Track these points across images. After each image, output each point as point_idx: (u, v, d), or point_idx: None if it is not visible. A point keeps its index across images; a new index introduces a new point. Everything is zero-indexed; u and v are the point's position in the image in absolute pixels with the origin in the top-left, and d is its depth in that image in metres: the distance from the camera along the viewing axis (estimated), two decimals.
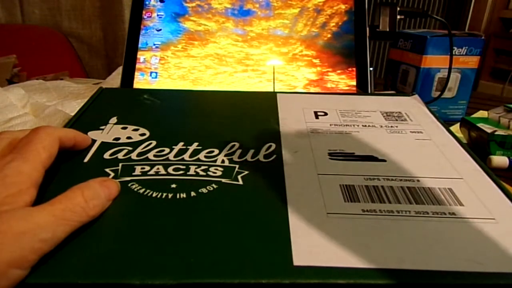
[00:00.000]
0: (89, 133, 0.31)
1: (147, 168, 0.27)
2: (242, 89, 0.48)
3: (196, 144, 0.30)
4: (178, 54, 0.50)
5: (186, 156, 0.29)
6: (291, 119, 0.35)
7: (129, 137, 0.31)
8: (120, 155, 0.29)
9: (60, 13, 1.06)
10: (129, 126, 0.33)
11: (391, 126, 0.34)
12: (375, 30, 0.53)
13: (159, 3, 0.52)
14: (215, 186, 0.26)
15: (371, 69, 0.49)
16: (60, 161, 0.28)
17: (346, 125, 0.34)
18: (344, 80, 0.49)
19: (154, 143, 0.30)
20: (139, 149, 0.29)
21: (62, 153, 0.27)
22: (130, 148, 0.30)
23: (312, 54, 0.50)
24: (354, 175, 0.27)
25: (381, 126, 0.34)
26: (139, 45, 0.50)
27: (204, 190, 0.25)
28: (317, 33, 0.50)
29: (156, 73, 0.50)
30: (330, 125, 0.34)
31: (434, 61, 0.57)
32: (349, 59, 0.49)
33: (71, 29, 1.08)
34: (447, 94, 0.59)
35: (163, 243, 0.21)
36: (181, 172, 0.27)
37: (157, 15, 0.51)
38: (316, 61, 0.50)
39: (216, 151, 0.29)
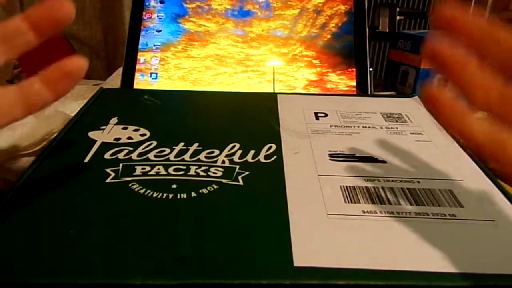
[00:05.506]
0: (90, 133, 0.31)
1: (147, 168, 0.27)
2: (242, 90, 0.48)
3: (196, 144, 0.30)
4: (178, 55, 0.50)
5: (186, 157, 0.29)
6: (291, 120, 0.35)
7: (129, 138, 0.31)
8: (120, 155, 0.29)
9: None
10: (129, 127, 0.33)
11: (391, 128, 0.34)
12: (375, 31, 0.53)
13: (159, 4, 0.52)
14: (215, 187, 0.26)
15: (371, 69, 0.49)
16: (60, 161, 0.28)
17: (347, 126, 0.34)
18: (344, 81, 0.49)
19: (154, 143, 0.30)
20: (139, 150, 0.29)
21: (62, 153, 0.27)
22: (131, 148, 0.30)
23: (312, 54, 0.50)
24: (355, 176, 0.27)
25: (381, 128, 0.34)
26: (139, 46, 0.50)
27: (204, 191, 0.25)
28: (317, 34, 0.50)
29: (156, 74, 0.50)
30: (331, 126, 0.34)
31: None
32: (349, 59, 0.49)
33: (72, 30, 1.07)
34: None
35: (164, 243, 0.21)
36: (181, 172, 0.27)
37: (157, 16, 0.51)
38: (316, 61, 0.50)
39: (217, 152, 0.29)
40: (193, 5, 0.51)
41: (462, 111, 0.17)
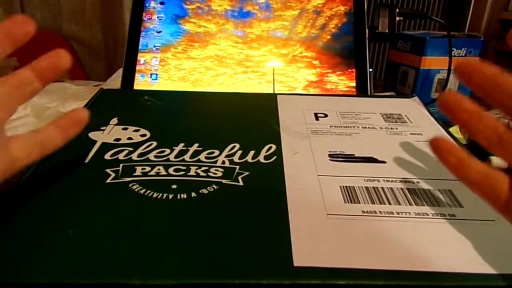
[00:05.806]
0: (90, 134, 0.31)
1: (147, 168, 0.27)
2: (242, 90, 0.48)
3: (196, 145, 0.30)
4: (178, 56, 0.50)
5: (186, 157, 0.29)
6: (291, 121, 0.35)
7: (129, 138, 0.31)
8: (120, 156, 0.29)
9: (60, 16, 1.06)
10: (129, 127, 0.33)
11: (391, 128, 0.34)
12: (374, 32, 0.53)
13: (159, 5, 0.52)
14: (215, 187, 0.26)
15: (370, 70, 0.49)
16: (60, 161, 0.28)
17: (346, 127, 0.34)
18: (343, 81, 0.49)
19: (154, 144, 0.30)
20: (139, 150, 0.29)
21: (62, 153, 0.27)
22: (131, 149, 0.30)
23: (311, 55, 0.50)
24: (354, 176, 0.27)
25: (381, 128, 0.34)
26: (140, 47, 0.50)
27: (204, 191, 0.25)
28: (317, 35, 0.50)
29: (156, 74, 0.50)
30: (330, 126, 0.34)
31: (434, 62, 0.57)
32: (349, 60, 0.49)
33: (72, 32, 1.08)
34: None
35: (164, 243, 0.21)
36: (181, 172, 0.27)
37: (157, 17, 0.51)
38: (316, 62, 0.50)
39: (217, 152, 0.29)
40: (193, 6, 0.51)
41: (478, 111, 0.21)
